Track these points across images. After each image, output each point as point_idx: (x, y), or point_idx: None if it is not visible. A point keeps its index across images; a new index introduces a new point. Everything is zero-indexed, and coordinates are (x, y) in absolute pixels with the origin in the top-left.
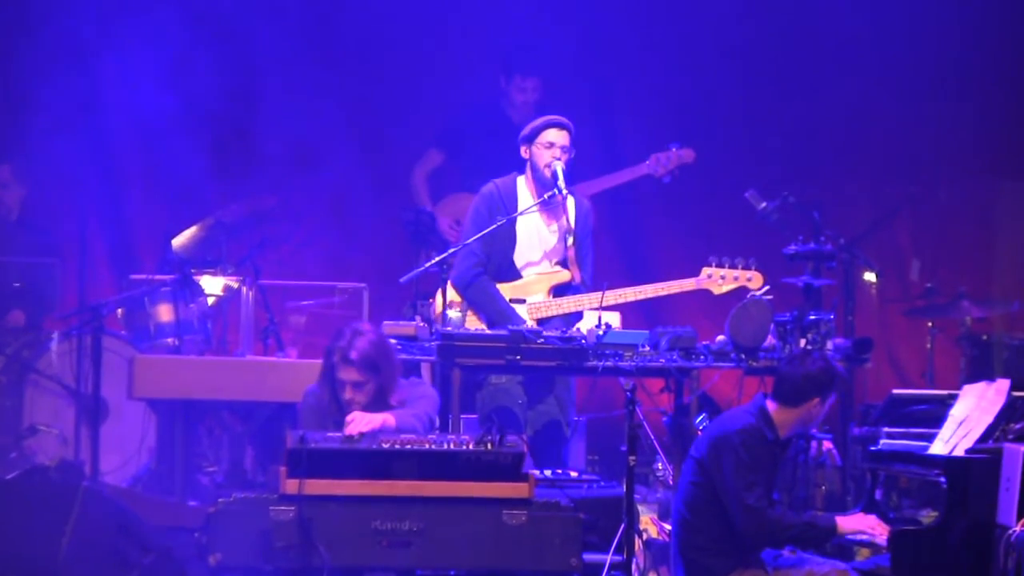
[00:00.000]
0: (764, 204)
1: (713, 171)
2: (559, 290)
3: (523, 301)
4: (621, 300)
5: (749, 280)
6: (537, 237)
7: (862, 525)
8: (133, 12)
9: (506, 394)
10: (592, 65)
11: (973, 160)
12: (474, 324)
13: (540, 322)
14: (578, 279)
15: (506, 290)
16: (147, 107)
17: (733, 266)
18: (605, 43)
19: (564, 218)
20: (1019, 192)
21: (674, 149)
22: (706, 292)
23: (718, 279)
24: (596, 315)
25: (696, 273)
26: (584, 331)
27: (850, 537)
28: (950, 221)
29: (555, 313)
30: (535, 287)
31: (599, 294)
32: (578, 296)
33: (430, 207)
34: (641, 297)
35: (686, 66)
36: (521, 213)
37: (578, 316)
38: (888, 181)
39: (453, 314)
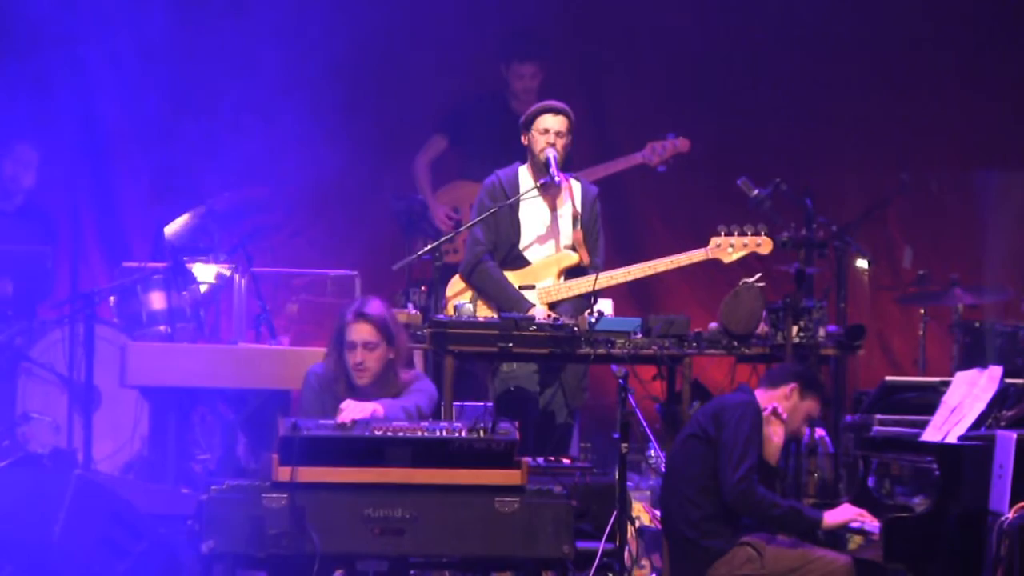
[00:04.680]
0: (756, 192)
1: (706, 159)
2: (570, 274)
3: (533, 287)
4: (631, 277)
5: (759, 245)
6: (542, 223)
7: (849, 515)
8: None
9: (519, 380)
10: (588, 53)
11: (965, 148)
12: (484, 312)
13: (551, 306)
14: (587, 261)
15: (515, 277)
16: (138, 92)
17: (742, 233)
18: (602, 31)
19: (569, 203)
20: (1011, 180)
21: (670, 138)
22: (701, 277)
23: (727, 247)
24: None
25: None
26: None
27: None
28: (942, 209)
29: (565, 296)
30: (544, 272)
31: (607, 274)
32: (588, 277)
33: (431, 194)
34: (651, 272)
35: (681, 54)
36: (513, 200)
37: (588, 298)
38: (880, 169)
39: (464, 303)
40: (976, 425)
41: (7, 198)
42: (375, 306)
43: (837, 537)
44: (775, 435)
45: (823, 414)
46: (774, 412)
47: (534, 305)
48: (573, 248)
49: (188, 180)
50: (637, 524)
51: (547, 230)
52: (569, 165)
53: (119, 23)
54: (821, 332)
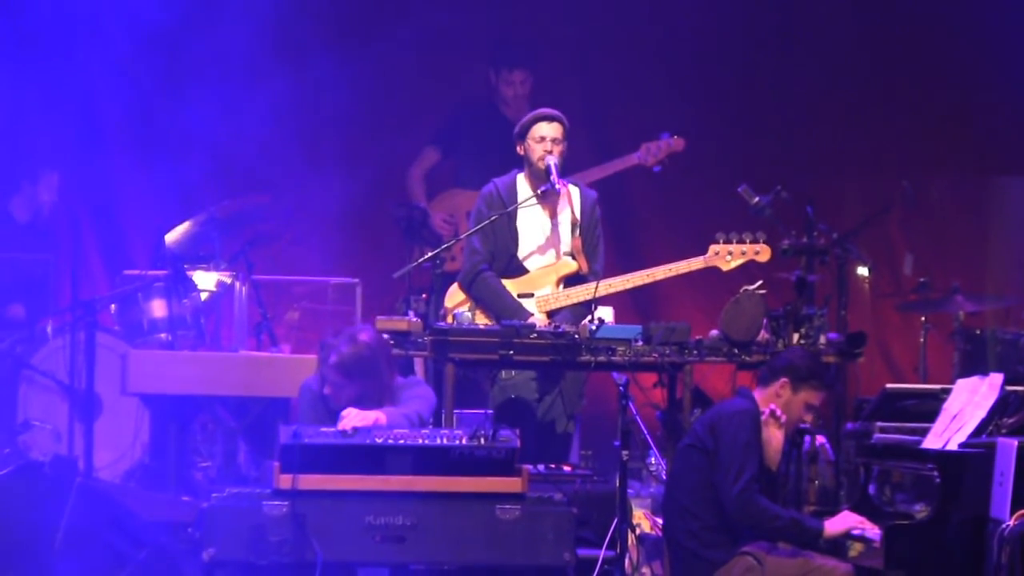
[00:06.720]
0: (757, 199)
1: (707, 165)
2: (569, 281)
3: (531, 295)
4: (630, 285)
5: (757, 254)
6: (541, 231)
7: (850, 523)
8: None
9: (517, 388)
10: (583, 55)
11: (966, 155)
12: (483, 321)
13: (550, 314)
14: (586, 269)
15: (513, 285)
16: (141, 101)
17: (741, 241)
18: (596, 32)
19: (568, 209)
20: (1012, 187)
21: (664, 138)
22: (702, 284)
23: (726, 255)
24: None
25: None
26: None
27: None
28: (943, 216)
29: (564, 304)
30: (542, 280)
31: (605, 282)
32: (587, 285)
33: (425, 204)
34: (649, 280)
35: (679, 57)
36: (513, 208)
37: (587, 307)
38: (881, 176)
39: (463, 312)
40: (977, 432)
41: (37, 221)
42: (346, 348)
43: (838, 544)
44: (774, 438)
45: (822, 419)
46: (772, 414)
47: (532, 314)
48: (572, 256)
49: (189, 188)
50: (638, 531)
51: (546, 238)
52: (565, 168)
53: (119, 23)
54: (822, 339)
